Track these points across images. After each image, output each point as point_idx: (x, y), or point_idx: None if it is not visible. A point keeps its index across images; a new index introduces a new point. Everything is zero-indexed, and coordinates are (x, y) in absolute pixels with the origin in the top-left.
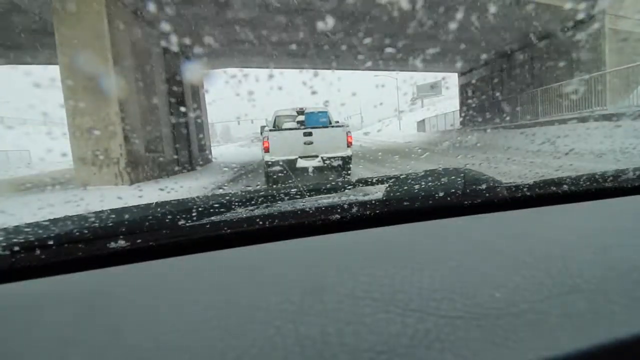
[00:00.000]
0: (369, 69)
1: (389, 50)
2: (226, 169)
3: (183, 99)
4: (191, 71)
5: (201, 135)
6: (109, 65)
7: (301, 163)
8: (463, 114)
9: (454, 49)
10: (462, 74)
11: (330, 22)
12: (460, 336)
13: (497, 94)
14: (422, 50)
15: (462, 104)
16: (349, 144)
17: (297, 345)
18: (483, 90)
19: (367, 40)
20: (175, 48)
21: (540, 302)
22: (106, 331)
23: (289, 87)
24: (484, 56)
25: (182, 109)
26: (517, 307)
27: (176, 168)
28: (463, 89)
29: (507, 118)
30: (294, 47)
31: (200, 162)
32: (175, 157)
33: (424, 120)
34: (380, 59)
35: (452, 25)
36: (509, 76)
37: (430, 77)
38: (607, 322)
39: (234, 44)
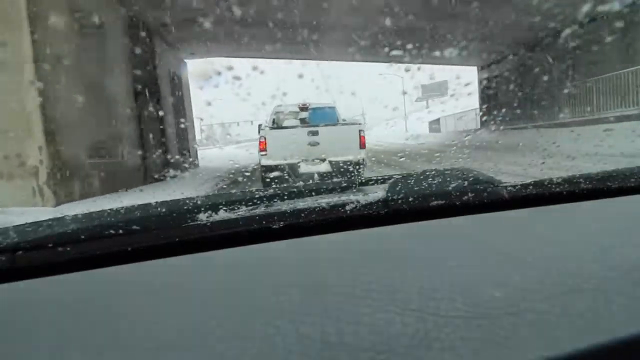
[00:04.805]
0: (377, 60)
1: (400, 41)
2: (213, 176)
3: (157, 91)
4: (170, 58)
5: (183, 136)
6: (23, 33)
7: (305, 168)
8: (484, 113)
9: (474, 38)
10: (482, 67)
11: (336, 6)
12: (460, 336)
13: (527, 88)
14: (437, 41)
15: (482, 101)
16: (363, 145)
17: (297, 345)
18: (509, 85)
19: (376, 29)
20: (148, 27)
21: (540, 302)
22: (106, 331)
23: (288, 86)
24: (510, 46)
25: (155, 103)
26: (517, 307)
27: (142, 178)
28: (484, 84)
29: (542, 115)
30: (293, 32)
31: (181, 169)
32: (142, 163)
33: (438, 119)
34: (390, 50)
35: (472, 11)
36: (542, 68)
37: (437, 75)
38: (607, 322)
39: (224, 26)
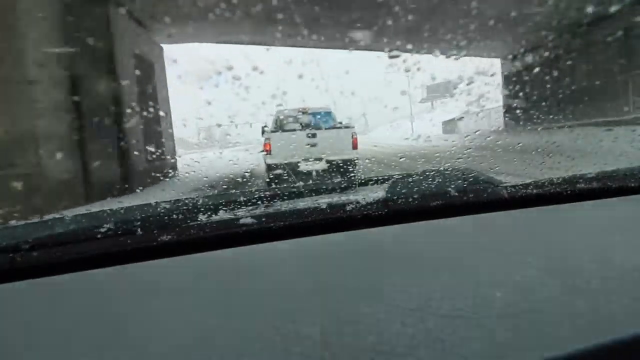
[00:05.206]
0: (385, 49)
1: (408, 25)
2: (189, 189)
3: (113, 76)
4: (136, 37)
5: (155, 137)
6: None
7: (304, 166)
8: (509, 111)
9: (498, 23)
10: (508, 58)
11: None
12: (460, 336)
13: (563, 82)
14: (453, 27)
15: (508, 97)
16: (355, 146)
17: (297, 345)
18: (540, 79)
19: (384, 12)
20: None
21: (541, 302)
22: (106, 331)
23: (288, 86)
24: (542, 33)
25: (108, 91)
26: (518, 307)
27: (80, 196)
28: (510, 78)
29: (583, 113)
30: (288, 17)
31: (152, 177)
32: (80, 175)
33: (454, 119)
34: (398, 38)
35: None
36: (581, 58)
37: (445, 72)
38: (608, 322)
39: (204, 3)
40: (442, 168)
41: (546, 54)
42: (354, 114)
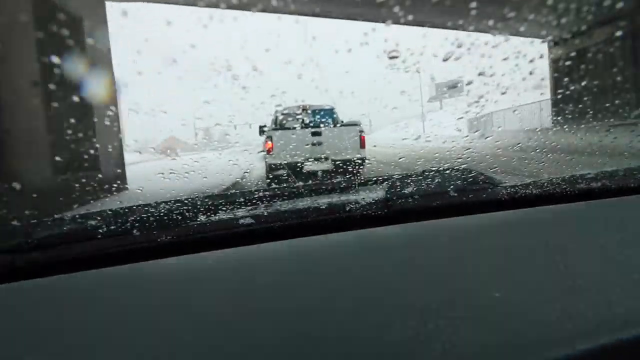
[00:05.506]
0: (405, 22)
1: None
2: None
3: None
4: None
5: (86, 136)
6: None
7: (309, 166)
8: (559, 106)
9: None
10: (557, 42)
11: None
12: (460, 336)
13: (629, 70)
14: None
15: (557, 89)
16: (363, 145)
17: (298, 346)
18: (602, 67)
19: None
20: None
21: (541, 302)
22: (106, 331)
23: (287, 86)
24: (603, 10)
25: None
26: (518, 307)
27: None
28: (560, 65)
29: None
30: None
31: (68, 199)
32: None
33: (489, 115)
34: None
35: None
36: None
37: (449, 74)
38: (608, 322)
39: None
40: (441, 168)
41: (610, 34)
42: (355, 115)
